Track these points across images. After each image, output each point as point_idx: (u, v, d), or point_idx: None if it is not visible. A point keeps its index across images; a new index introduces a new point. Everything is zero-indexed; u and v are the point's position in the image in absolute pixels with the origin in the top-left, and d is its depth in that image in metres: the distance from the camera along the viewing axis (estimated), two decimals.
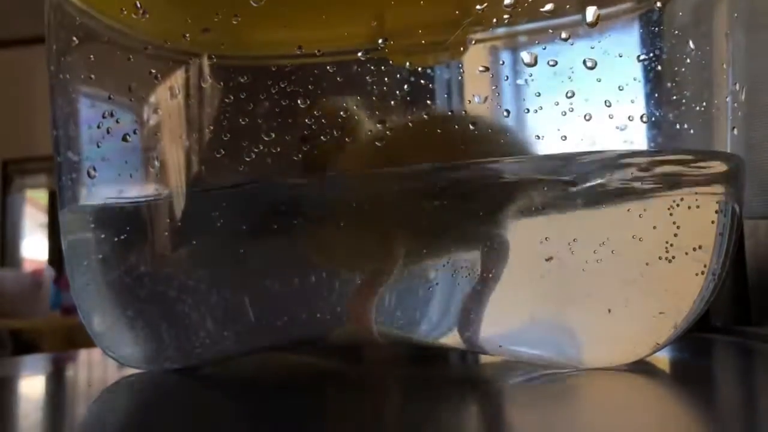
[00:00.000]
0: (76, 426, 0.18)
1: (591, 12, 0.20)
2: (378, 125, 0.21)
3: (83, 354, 0.37)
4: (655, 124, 0.21)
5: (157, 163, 0.23)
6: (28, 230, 2.84)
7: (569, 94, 0.20)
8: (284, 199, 0.22)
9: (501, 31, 0.21)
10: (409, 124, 0.21)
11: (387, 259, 0.22)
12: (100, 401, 0.21)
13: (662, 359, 0.24)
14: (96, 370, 0.30)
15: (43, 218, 2.83)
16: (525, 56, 0.20)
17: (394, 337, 0.23)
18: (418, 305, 0.22)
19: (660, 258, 0.21)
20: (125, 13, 0.23)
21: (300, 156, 0.21)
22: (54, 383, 0.27)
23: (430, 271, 0.22)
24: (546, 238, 0.21)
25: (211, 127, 0.22)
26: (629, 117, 0.21)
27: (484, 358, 0.25)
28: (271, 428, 0.16)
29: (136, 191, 0.23)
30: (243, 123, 0.22)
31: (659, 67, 0.21)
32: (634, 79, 0.21)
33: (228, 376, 0.24)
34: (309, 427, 0.16)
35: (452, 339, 0.23)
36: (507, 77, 0.21)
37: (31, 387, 0.26)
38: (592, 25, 0.20)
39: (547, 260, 0.21)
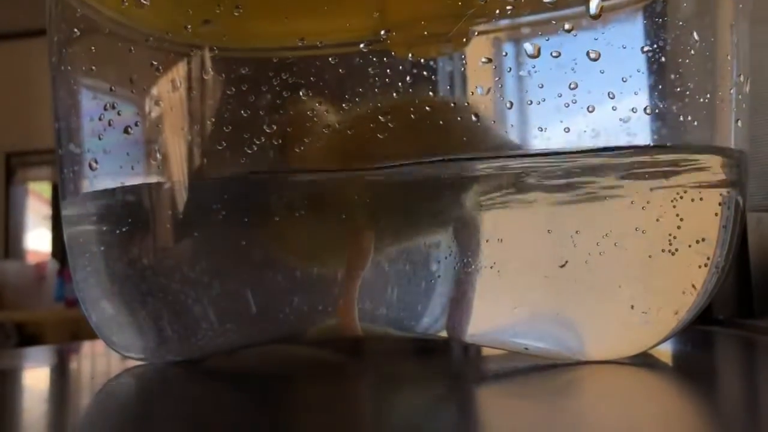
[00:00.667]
0: (80, 418, 0.18)
1: (594, 4, 0.20)
2: (381, 117, 0.21)
3: (87, 346, 0.37)
4: (658, 116, 0.21)
5: (158, 156, 0.23)
6: (32, 223, 2.84)
7: (572, 86, 0.20)
8: (285, 192, 0.22)
9: (504, 22, 0.21)
10: (411, 116, 0.21)
11: (362, 253, 0.22)
12: (104, 393, 0.21)
13: (665, 352, 0.24)
14: (99, 362, 0.30)
15: (47, 210, 2.83)
16: (528, 47, 0.20)
17: (378, 332, 0.23)
18: (402, 299, 0.22)
19: (663, 250, 0.21)
20: (126, 4, 0.23)
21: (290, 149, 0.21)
22: (58, 375, 0.27)
23: (412, 264, 0.22)
24: (548, 231, 0.21)
25: (213, 119, 0.22)
26: (632, 109, 0.21)
27: (485, 351, 0.25)
28: (272, 420, 0.16)
29: (138, 183, 0.23)
30: (245, 115, 0.22)
31: (663, 59, 0.21)
32: (638, 71, 0.21)
33: (230, 368, 0.24)
34: (310, 418, 0.16)
35: (441, 332, 0.23)
36: (510, 69, 0.21)
37: (36, 379, 0.26)
38: (596, 17, 0.20)
39: (549, 253, 0.21)
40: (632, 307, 0.21)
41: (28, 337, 2.10)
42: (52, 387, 0.24)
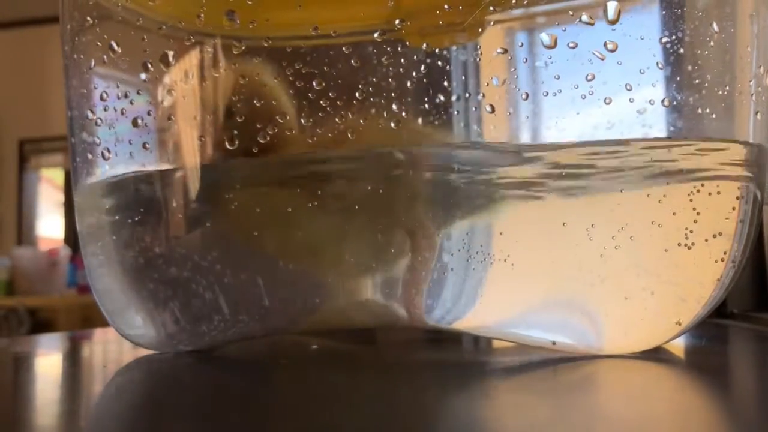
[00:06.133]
0: (92, 405, 0.18)
1: (612, 8, 0.20)
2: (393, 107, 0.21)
3: (99, 333, 0.38)
4: (676, 108, 0.21)
5: (171, 144, 0.23)
6: (44, 209, 2.86)
7: (589, 77, 0.20)
8: (300, 180, 0.22)
9: (520, 12, 0.21)
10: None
11: (427, 245, 0.21)
12: (115, 381, 0.21)
13: (679, 346, 0.24)
14: (111, 349, 0.30)
15: (60, 197, 2.85)
16: (544, 38, 0.20)
17: (431, 324, 0.23)
18: (450, 290, 0.22)
19: (679, 244, 0.20)
20: None
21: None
22: (70, 362, 0.27)
23: (458, 256, 0.22)
24: (564, 224, 0.20)
25: (226, 108, 0.22)
26: (650, 101, 0.20)
27: (498, 343, 0.25)
28: (284, 410, 0.16)
29: (150, 172, 0.23)
30: (258, 104, 0.21)
31: (681, 50, 0.21)
32: (656, 63, 0.20)
33: (241, 357, 0.24)
34: (323, 408, 0.16)
35: (473, 323, 0.22)
36: (526, 59, 0.20)
37: (48, 365, 0.27)
38: (614, 22, 0.20)
39: (564, 246, 0.20)
40: (647, 301, 0.21)
41: (40, 322, 2.12)
42: (64, 375, 0.24)
